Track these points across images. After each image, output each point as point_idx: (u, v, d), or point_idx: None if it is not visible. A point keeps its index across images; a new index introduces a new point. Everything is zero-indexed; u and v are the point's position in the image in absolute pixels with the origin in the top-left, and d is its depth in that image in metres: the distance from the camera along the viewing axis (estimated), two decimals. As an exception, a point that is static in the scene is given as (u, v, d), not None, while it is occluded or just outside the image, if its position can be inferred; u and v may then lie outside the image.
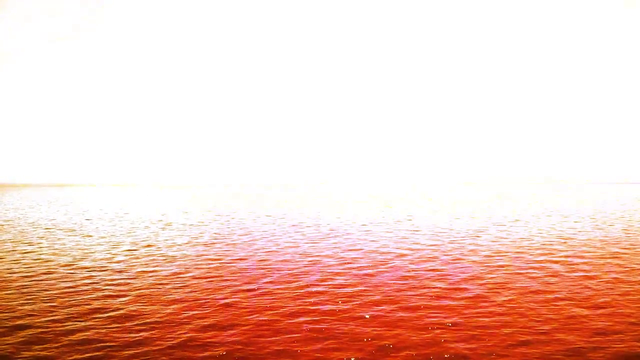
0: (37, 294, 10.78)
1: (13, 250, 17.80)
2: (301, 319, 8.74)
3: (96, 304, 9.80)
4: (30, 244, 19.80)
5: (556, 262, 14.71)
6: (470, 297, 10.28)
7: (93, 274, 13.12)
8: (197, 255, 16.29)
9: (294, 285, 11.60)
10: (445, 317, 8.83)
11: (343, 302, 9.97)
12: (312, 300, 10.13)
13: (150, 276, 12.72)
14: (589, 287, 11.21)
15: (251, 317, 8.92)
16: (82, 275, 12.86)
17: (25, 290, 11.18)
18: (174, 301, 10.03)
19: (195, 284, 11.76)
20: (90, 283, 11.90)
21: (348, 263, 14.64)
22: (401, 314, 9.08)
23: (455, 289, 11.04)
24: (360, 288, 11.22)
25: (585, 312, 9.19)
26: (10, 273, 13.33)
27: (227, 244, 19.21)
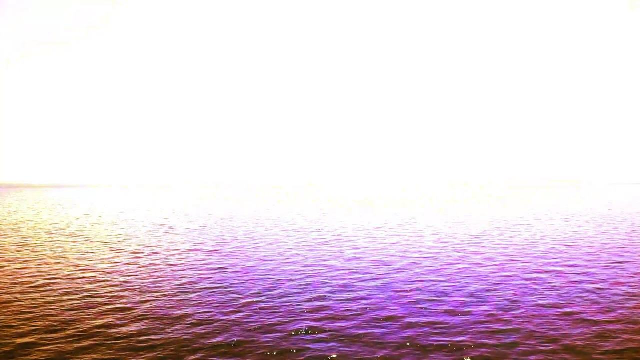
0: (41, 308, 10.61)
1: (15, 258, 17.64)
2: (308, 337, 8.55)
3: (100, 321, 9.61)
4: (33, 250, 19.65)
5: (568, 271, 14.49)
6: (484, 312, 10.08)
7: (96, 285, 12.95)
8: (202, 264, 16.12)
9: (300, 299, 11.41)
10: (461, 334, 8.63)
11: (352, 318, 9.78)
12: (319, 315, 9.94)
13: (155, 287, 12.54)
14: (605, 297, 11.00)
15: (258, 335, 8.73)
16: (85, 288, 12.69)
17: (28, 303, 11.01)
18: (179, 318, 9.84)
19: (200, 296, 11.58)
20: (94, 296, 11.73)
21: (355, 272, 14.45)
22: (413, 331, 8.89)
23: (469, 303, 10.84)
24: (370, 301, 11.02)
25: (605, 326, 8.98)
26: (13, 283, 13.17)
27: (231, 251, 19.03)
